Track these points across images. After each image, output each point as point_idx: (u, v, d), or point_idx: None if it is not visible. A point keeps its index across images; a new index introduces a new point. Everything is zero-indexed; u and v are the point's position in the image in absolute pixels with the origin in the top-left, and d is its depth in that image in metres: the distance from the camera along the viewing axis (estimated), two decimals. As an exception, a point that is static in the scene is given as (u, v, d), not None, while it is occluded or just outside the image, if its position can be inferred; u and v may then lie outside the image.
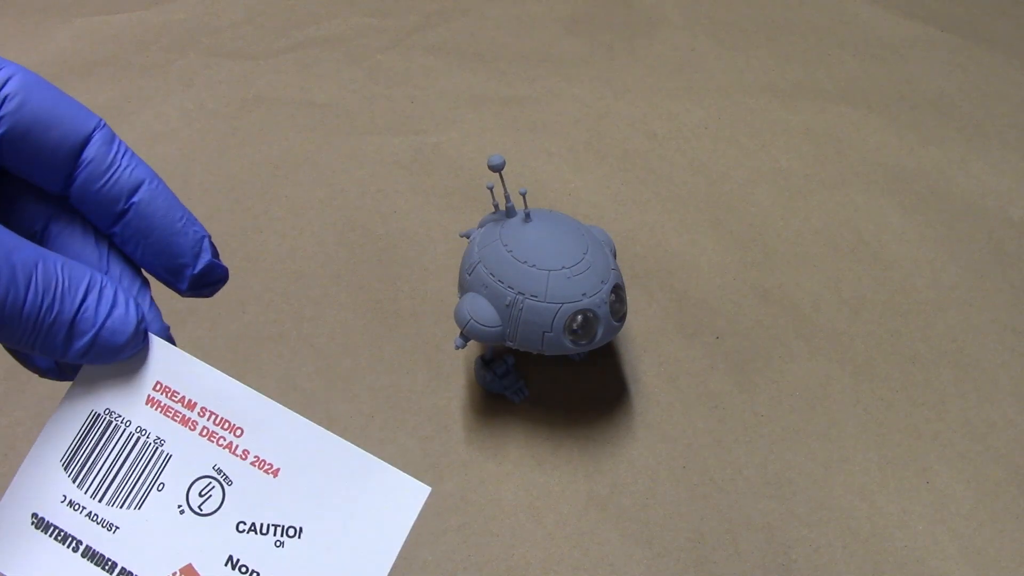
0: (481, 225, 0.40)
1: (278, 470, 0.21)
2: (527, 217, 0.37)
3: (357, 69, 0.61)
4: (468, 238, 0.40)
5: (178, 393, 0.22)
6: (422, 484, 0.21)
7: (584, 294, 0.35)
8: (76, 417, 0.22)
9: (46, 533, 0.22)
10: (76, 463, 0.22)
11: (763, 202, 0.52)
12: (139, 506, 0.21)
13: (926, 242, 0.50)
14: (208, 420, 0.22)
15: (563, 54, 0.63)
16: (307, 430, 0.22)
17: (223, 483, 0.21)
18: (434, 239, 0.49)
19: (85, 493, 0.21)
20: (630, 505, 0.37)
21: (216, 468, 0.21)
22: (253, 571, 0.21)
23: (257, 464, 0.21)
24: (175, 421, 0.22)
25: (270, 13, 0.66)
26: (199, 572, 0.21)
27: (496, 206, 0.39)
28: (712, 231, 0.50)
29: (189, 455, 0.21)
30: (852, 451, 0.40)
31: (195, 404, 0.22)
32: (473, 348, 0.43)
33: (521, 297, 0.35)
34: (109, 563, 0.21)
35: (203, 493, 0.21)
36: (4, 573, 0.21)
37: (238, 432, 0.22)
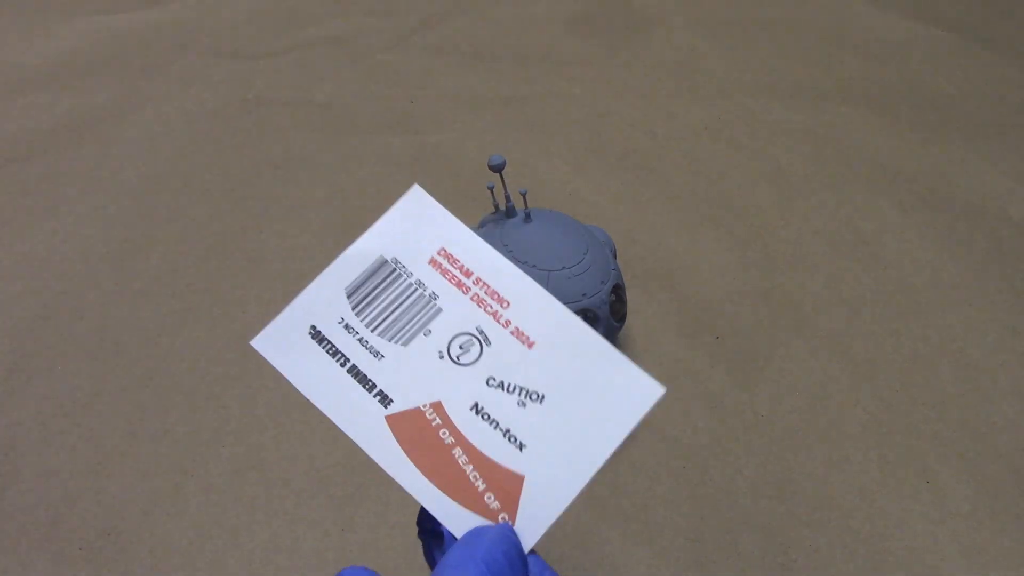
0: (481, 225, 0.40)
1: (533, 343, 0.24)
2: (527, 217, 0.37)
3: (357, 69, 0.61)
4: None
5: (458, 261, 0.25)
6: (657, 384, 0.23)
7: (584, 294, 0.35)
8: (367, 258, 0.25)
9: (320, 345, 0.25)
10: (358, 294, 0.25)
11: (763, 202, 0.52)
12: (405, 343, 0.24)
13: (926, 242, 0.50)
14: (480, 288, 0.25)
15: (563, 54, 0.63)
16: (566, 317, 0.24)
17: (482, 342, 0.24)
18: (434, 239, 0.49)
19: (361, 321, 0.25)
20: (630, 505, 0.37)
21: (479, 329, 0.24)
22: (494, 419, 0.23)
23: (516, 334, 0.24)
24: (451, 283, 0.25)
25: (270, 13, 0.66)
26: (446, 409, 0.24)
27: (496, 206, 0.39)
28: (712, 231, 0.50)
29: (457, 313, 0.24)
30: (852, 451, 0.40)
31: (471, 273, 0.25)
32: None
33: (521, 297, 0.35)
34: (370, 383, 0.24)
35: (463, 347, 0.24)
36: (280, 371, 0.24)
37: (505, 304, 0.24)
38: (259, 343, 0.25)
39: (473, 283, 0.25)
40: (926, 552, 0.36)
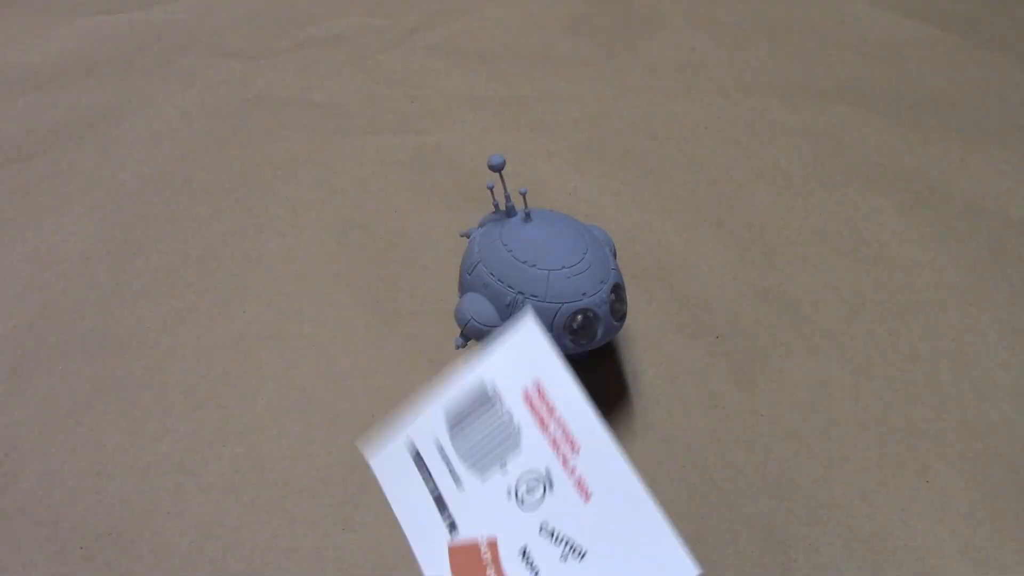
0: (481, 225, 0.40)
1: (591, 495, 0.24)
2: (527, 217, 0.37)
3: (357, 69, 0.61)
4: (468, 238, 0.40)
5: (548, 397, 0.25)
6: (694, 565, 0.23)
7: (584, 294, 0.35)
8: (469, 382, 0.26)
9: (418, 468, 0.26)
10: (458, 422, 0.26)
11: (763, 202, 0.52)
12: (484, 476, 0.25)
13: (926, 242, 0.50)
14: (557, 429, 0.25)
15: (563, 54, 0.63)
16: (627, 476, 0.24)
17: (547, 486, 0.24)
18: (434, 239, 0.49)
19: (454, 448, 0.25)
20: (630, 505, 0.37)
21: (547, 471, 0.25)
22: (535, 567, 0.24)
23: (578, 484, 0.24)
24: (535, 418, 0.25)
25: (270, 13, 0.66)
26: (499, 548, 0.24)
27: (496, 206, 0.39)
28: (712, 231, 0.50)
29: (533, 450, 0.25)
30: (852, 451, 0.40)
31: (554, 410, 0.25)
32: (473, 348, 0.43)
33: (521, 297, 0.35)
34: (447, 511, 0.25)
35: (530, 487, 0.25)
36: (379, 479, 0.25)
37: (575, 448, 0.25)
38: (373, 457, 0.26)
39: (554, 422, 0.25)
40: (926, 552, 0.36)
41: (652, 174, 0.54)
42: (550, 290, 0.35)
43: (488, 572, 0.24)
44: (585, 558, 0.24)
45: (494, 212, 0.39)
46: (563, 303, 0.35)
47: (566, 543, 0.24)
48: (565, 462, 0.24)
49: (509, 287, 0.35)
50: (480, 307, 0.36)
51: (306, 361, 0.43)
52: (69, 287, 0.46)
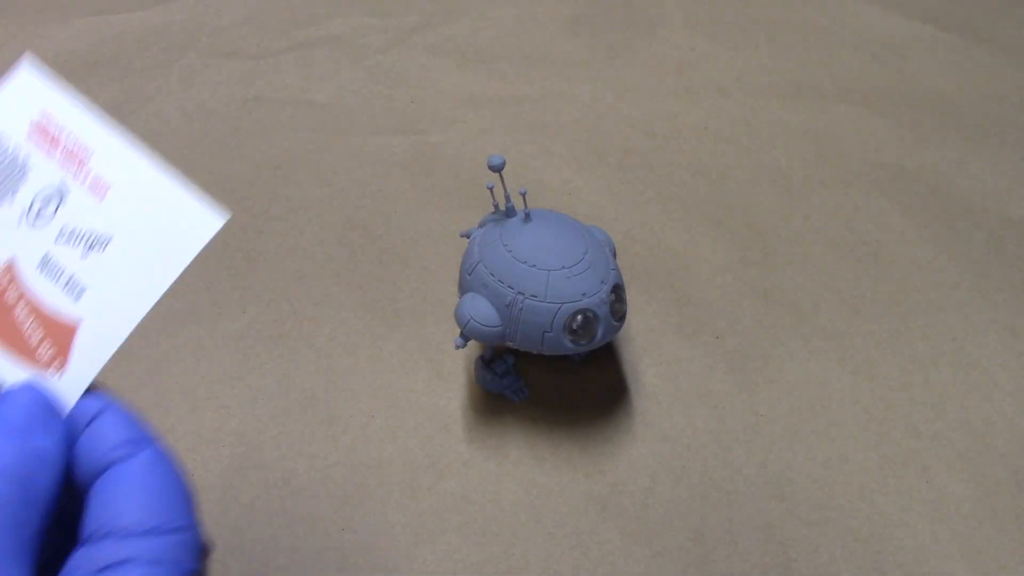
0: (481, 225, 0.40)
1: (106, 192, 0.25)
2: (527, 217, 0.37)
3: (357, 69, 0.61)
4: (468, 238, 0.40)
5: (53, 124, 0.25)
6: (218, 213, 0.25)
7: (584, 294, 0.35)
8: None
9: None
10: None
11: (763, 202, 0.52)
12: None
13: (926, 242, 0.50)
14: (67, 148, 0.25)
15: (563, 54, 0.63)
16: (137, 159, 0.25)
17: (61, 197, 0.25)
18: (434, 239, 0.49)
19: None
20: (630, 505, 0.37)
21: (61, 185, 0.25)
22: (58, 271, 0.24)
23: (92, 187, 0.25)
24: (42, 146, 0.25)
25: (270, 13, 0.66)
26: (16, 269, 0.25)
27: (496, 206, 0.39)
28: (712, 231, 0.50)
29: (44, 173, 0.25)
30: (852, 451, 0.40)
31: (62, 132, 0.25)
32: (473, 348, 0.43)
33: (521, 297, 0.35)
34: None
35: (44, 204, 0.25)
36: None
37: (87, 156, 0.25)
38: None
39: (63, 143, 0.25)
40: (926, 552, 0.36)
41: (652, 174, 0.54)
42: (550, 290, 0.35)
43: (7, 294, 0.24)
44: (109, 244, 0.24)
45: (494, 212, 0.39)
46: (563, 303, 0.35)
47: (86, 240, 0.24)
48: (79, 172, 0.25)
49: (509, 287, 0.35)
50: (480, 307, 0.36)
51: (306, 361, 0.43)
52: (69, 287, 0.46)
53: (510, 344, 0.37)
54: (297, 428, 0.40)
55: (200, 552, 0.22)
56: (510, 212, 0.38)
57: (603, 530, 0.37)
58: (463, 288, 0.38)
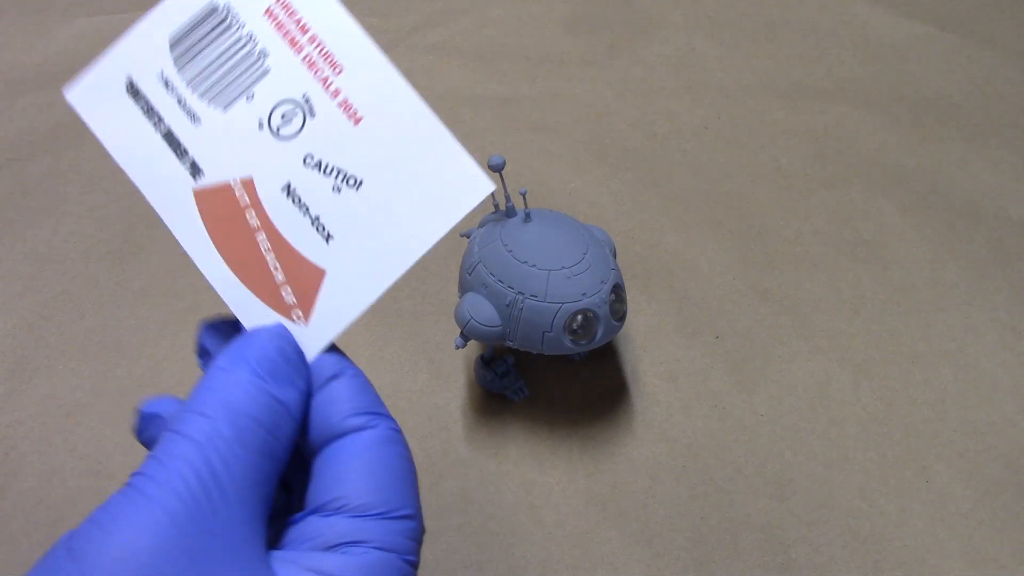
0: (481, 225, 0.40)
1: (361, 119, 0.21)
2: (527, 217, 0.37)
3: (357, 69, 0.61)
4: (468, 238, 0.40)
5: (297, 13, 0.22)
6: (488, 179, 0.21)
7: (584, 294, 0.35)
8: (196, 1, 0.22)
9: (135, 100, 0.22)
10: (183, 46, 0.22)
11: (763, 202, 0.52)
12: (226, 108, 0.21)
13: (926, 242, 0.50)
14: (314, 48, 0.21)
15: (563, 54, 0.63)
16: (403, 91, 0.21)
17: (307, 113, 0.21)
18: (434, 239, 0.49)
19: (182, 77, 0.22)
20: (630, 505, 0.37)
21: (305, 97, 0.21)
22: (305, 204, 0.21)
23: (343, 106, 0.21)
24: (284, 39, 0.22)
25: (270, 13, 0.66)
26: (257, 188, 0.21)
27: (496, 206, 0.39)
28: (712, 231, 0.50)
29: (286, 76, 0.21)
30: (852, 451, 0.40)
31: (308, 29, 0.21)
32: (473, 348, 0.43)
33: (521, 297, 0.35)
34: (181, 149, 0.22)
35: (285, 116, 0.21)
36: (88, 124, 0.22)
37: (338, 70, 0.21)
38: (74, 96, 0.22)
39: (308, 41, 0.21)
40: (926, 552, 0.36)
41: (652, 174, 0.54)
42: (550, 290, 0.35)
43: (247, 214, 0.21)
44: (363, 186, 0.21)
45: (494, 212, 0.39)
46: (563, 303, 0.35)
47: (338, 173, 0.21)
48: (327, 84, 0.21)
49: (509, 287, 0.35)
50: (480, 307, 0.36)
51: (306, 361, 0.43)
52: (69, 287, 0.46)
53: (510, 344, 0.37)
54: (297, 428, 0.40)
55: (420, 543, 0.21)
56: (510, 212, 0.38)
57: (603, 530, 0.37)
58: (463, 288, 0.38)
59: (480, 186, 0.21)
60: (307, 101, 0.21)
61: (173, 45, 0.22)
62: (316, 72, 0.21)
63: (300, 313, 0.21)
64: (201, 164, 0.21)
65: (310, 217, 0.21)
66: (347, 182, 0.21)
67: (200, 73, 0.22)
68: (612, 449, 0.39)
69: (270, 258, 0.21)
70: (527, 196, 0.37)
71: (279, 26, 0.22)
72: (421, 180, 0.21)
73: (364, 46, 0.21)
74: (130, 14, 0.64)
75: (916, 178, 0.54)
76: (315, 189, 0.21)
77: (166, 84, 0.22)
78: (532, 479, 0.38)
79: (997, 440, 0.40)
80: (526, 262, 0.35)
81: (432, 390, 0.41)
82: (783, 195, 0.53)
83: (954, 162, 0.55)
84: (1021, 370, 0.43)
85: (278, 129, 0.21)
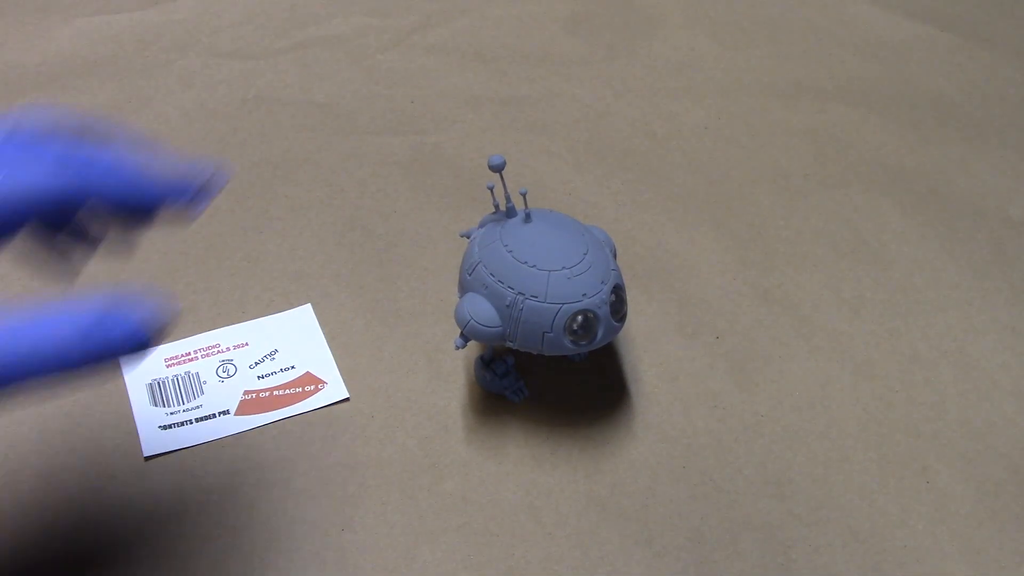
0: (481, 225, 0.40)
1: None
2: (527, 217, 0.37)
3: (357, 69, 0.61)
4: (468, 238, 0.40)
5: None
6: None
7: (584, 294, 0.35)
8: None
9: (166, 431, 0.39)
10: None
11: (763, 202, 0.52)
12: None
13: (926, 242, 0.50)
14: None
15: (563, 54, 0.63)
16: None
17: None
18: (434, 239, 0.49)
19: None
20: (630, 505, 0.37)
21: None
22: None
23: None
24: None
25: (270, 13, 0.66)
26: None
27: (496, 206, 0.39)
28: (712, 231, 0.50)
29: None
30: (852, 451, 0.40)
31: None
32: (473, 348, 0.43)
33: (521, 297, 0.35)
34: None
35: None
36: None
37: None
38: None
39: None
40: (926, 552, 0.36)
41: (652, 174, 0.54)
42: (550, 291, 0.35)
43: None
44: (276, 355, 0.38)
45: (494, 212, 0.39)
46: (563, 304, 0.35)
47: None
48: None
49: (509, 287, 0.35)
50: (480, 307, 0.36)
51: (306, 361, 0.43)
52: (69, 287, 0.46)
53: (510, 344, 0.37)
54: (297, 428, 0.40)
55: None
56: (510, 212, 0.38)
57: (603, 530, 0.37)
58: (463, 288, 0.38)
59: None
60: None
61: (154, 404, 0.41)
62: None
63: None
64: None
65: None
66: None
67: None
68: (612, 449, 0.39)
69: None
70: (527, 196, 0.37)
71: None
72: None
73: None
74: (130, 14, 0.64)
75: (916, 178, 0.54)
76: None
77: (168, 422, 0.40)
78: (532, 479, 0.38)
79: (997, 440, 0.40)
80: (526, 262, 0.35)
81: (432, 390, 0.41)
82: (783, 195, 0.53)
83: (954, 162, 0.55)
84: (1021, 370, 0.43)
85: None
